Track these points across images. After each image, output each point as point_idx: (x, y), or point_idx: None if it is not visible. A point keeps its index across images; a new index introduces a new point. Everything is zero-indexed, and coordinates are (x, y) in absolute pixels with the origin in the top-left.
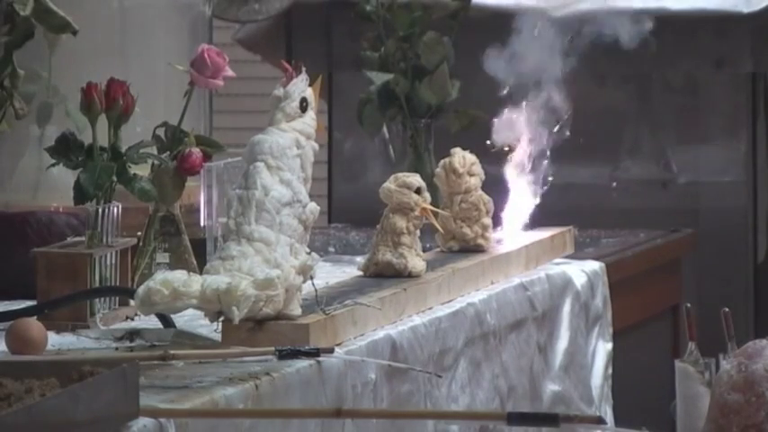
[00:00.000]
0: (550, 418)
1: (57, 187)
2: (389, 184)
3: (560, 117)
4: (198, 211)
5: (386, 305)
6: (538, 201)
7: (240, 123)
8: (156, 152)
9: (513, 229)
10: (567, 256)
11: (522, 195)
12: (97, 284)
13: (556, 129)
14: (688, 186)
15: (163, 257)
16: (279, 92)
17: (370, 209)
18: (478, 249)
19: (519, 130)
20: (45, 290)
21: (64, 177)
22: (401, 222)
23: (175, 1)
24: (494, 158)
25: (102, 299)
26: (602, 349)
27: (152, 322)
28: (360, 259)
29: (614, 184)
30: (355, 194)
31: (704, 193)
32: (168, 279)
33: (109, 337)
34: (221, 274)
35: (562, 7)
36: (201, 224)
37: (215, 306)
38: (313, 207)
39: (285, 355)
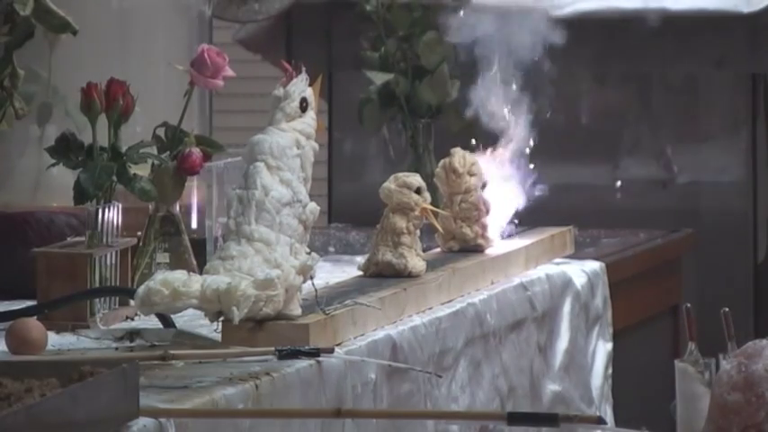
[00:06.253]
0: (550, 418)
1: (57, 187)
2: (389, 184)
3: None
4: (198, 211)
5: (386, 305)
6: (526, 199)
7: (240, 123)
8: (156, 152)
9: (500, 229)
10: (567, 256)
11: (508, 194)
12: (97, 284)
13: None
14: (688, 186)
15: (163, 257)
16: (279, 92)
17: (370, 209)
18: (478, 249)
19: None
20: (45, 290)
21: (64, 177)
22: (401, 222)
23: (175, 1)
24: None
25: (102, 299)
26: (602, 349)
27: (152, 322)
28: (360, 259)
29: (618, 183)
30: (355, 194)
31: (704, 193)
32: (168, 279)
33: (109, 337)
34: (221, 274)
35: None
36: (193, 226)
37: (215, 306)
38: (313, 207)
39: (285, 355)
